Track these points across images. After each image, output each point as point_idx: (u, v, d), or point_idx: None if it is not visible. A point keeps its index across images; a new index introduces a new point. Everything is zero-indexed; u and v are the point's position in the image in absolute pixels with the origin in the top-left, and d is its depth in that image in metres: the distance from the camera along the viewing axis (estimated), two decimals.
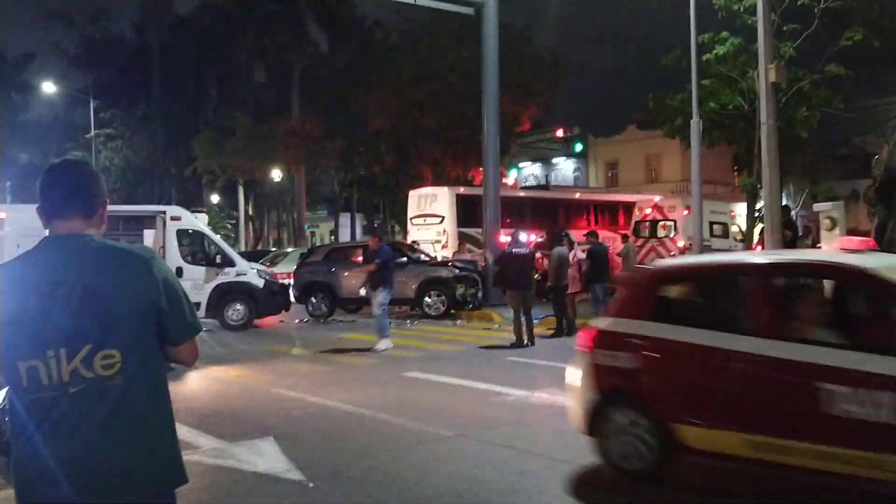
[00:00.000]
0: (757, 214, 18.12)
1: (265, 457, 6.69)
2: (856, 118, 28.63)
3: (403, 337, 15.20)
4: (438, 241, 27.37)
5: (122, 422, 2.31)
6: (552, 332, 14.78)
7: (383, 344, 13.14)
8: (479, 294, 18.81)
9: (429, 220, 28.54)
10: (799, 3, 16.78)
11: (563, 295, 14.80)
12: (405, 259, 19.19)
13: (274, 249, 39.02)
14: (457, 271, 18.95)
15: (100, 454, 2.28)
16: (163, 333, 2.43)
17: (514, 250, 13.82)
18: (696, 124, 17.26)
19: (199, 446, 7.09)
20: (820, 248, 19.10)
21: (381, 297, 13.32)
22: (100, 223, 2.50)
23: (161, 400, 2.45)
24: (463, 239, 26.53)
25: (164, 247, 16.88)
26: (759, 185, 16.61)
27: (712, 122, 19.51)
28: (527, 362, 11.99)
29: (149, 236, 17.36)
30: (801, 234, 19.63)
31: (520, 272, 13.70)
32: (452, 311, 18.35)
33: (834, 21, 18.12)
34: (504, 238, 22.69)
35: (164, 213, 17.55)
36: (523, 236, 14.61)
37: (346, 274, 19.14)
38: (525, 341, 13.41)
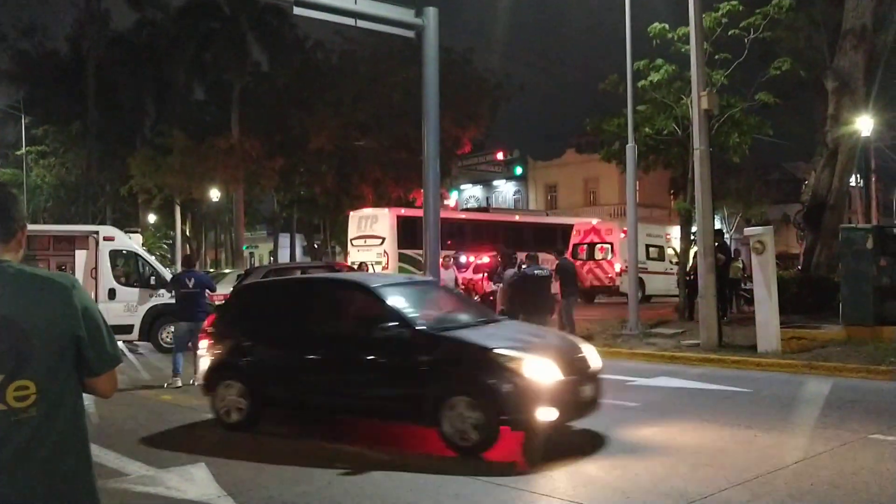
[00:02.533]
0: (693, 238, 18.48)
1: (196, 483, 6.55)
2: (786, 145, 29.56)
3: None
4: (379, 263, 27.32)
5: (35, 455, 2.23)
6: None
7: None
8: None
9: (369, 241, 28.47)
10: (730, 33, 17.24)
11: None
12: None
13: (211, 270, 38.40)
14: None
15: (11, 489, 2.20)
16: (81, 364, 2.36)
17: (535, 272, 12.75)
18: (630, 149, 17.58)
19: (127, 473, 6.91)
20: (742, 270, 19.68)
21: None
22: (18, 248, 2.42)
23: (78, 432, 2.36)
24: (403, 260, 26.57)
25: (96, 268, 16.51)
26: (692, 209, 16.97)
27: (648, 147, 19.86)
28: None
29: (81, 257, 16.95)
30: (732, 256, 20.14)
31: (540, 295, 12.69)
32: None
33: (764, 51, 18.70)
34: (452, 257, 22.77)
35: (97, 233, 17.17)
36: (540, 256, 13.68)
37: None
38: None
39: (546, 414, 7.09)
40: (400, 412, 7.78)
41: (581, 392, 7.53)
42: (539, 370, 7.17)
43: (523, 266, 13.79)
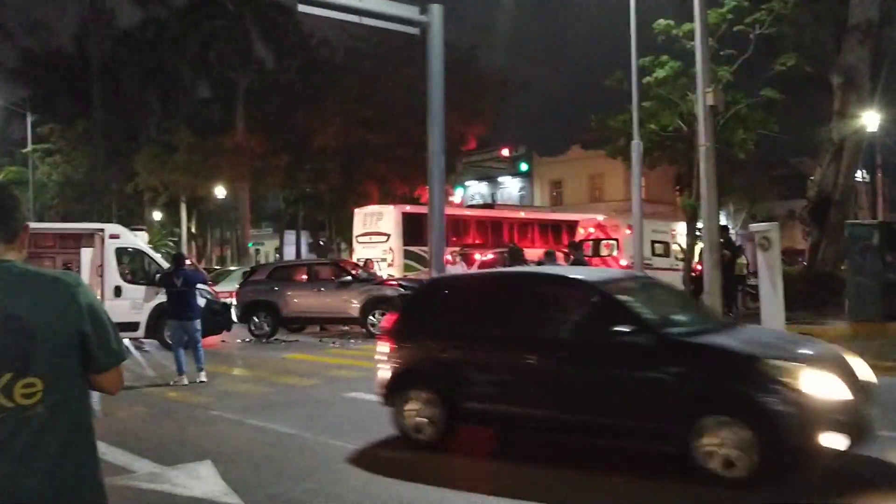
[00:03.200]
0: (698, 234, 18.48)
1: (202, 481, 6.57)
2: (791, 140, 29.48)
3: (346, 357, 15.09)
4: (384, 260, 27.32)
5: (42, 452, 2.25)
6: None
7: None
8: None
9: (374, 238, 28.46)
10: (735, 29, 17.25)
11: None
12: (349, 278, 19.17)
13: (217, 268, 38.47)
14: (402, 290, 18.90)
15: (19, 485, 2.21)
16: (87, 361, 2.38)
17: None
18: (636, 145, 17.59)
19: (134, 471, 6.93)
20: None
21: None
22: (21, 247, 2.44)
23: (84, 429, 2.39)
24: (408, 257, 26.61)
25: (102, 265, 16.55)
26: (697, 206, 16.96)
27: (653, 144, 19.88)
28: None
29: (87, 254, 16.99)
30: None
31: None
32: None
33: (769, 47, 18.70)
34: (446, 256, 22.75)
35: (103, 230, 17.20)
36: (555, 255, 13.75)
37: (289, 293, 19.06)
38: None
39: (833, 441, 5.78)
40: (639, 432, 6.47)
41: (865, 413, 6.19)
42: (823, 386, 5.89)
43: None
